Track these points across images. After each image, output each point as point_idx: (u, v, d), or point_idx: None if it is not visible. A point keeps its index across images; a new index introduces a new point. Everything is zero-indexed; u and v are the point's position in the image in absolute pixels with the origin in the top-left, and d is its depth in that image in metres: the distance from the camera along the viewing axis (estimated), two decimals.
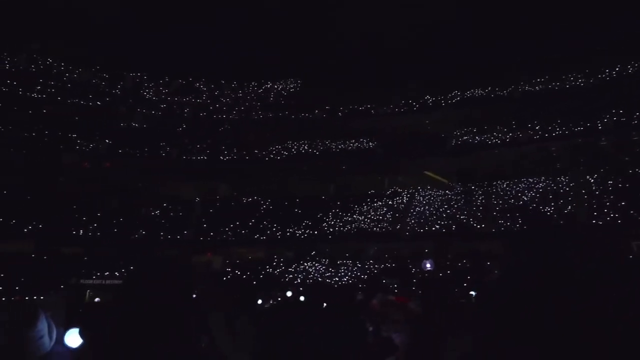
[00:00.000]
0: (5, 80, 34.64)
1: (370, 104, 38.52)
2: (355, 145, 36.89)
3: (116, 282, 25.96)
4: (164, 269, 1.94)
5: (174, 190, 35.21)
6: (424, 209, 31.05)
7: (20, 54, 36.37)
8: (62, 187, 32.68)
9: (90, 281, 25.20)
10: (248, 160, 36.73)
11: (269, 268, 28.83)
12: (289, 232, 31.12)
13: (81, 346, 3.00)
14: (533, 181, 30.60)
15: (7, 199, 29.71)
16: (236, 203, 34.79)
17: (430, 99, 37.57)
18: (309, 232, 30.93)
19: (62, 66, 38.26)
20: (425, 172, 35.61)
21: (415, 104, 37.69)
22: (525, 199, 29.08)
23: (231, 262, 30.01)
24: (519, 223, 26.92)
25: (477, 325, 1.25)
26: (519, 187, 30.56)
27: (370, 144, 36.67)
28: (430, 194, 32.96)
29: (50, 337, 2.53)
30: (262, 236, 31.18)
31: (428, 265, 25.64)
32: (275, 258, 30.05)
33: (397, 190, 34.32)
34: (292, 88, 43.11)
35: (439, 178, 35.35)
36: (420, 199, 32.51)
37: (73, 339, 3.10)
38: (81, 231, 30.22)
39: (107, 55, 39.54)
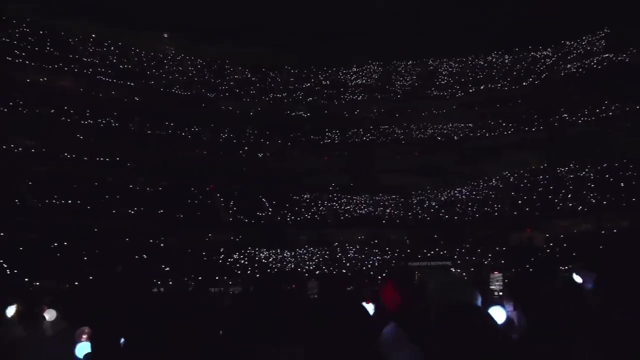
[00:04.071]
0: None
1: None
2: None
3: (443, 263, 27.88)
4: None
5: (482, 168, 35.23)
6: None
7: None
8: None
9: (417, 263, 27.75)
10: (558, 127, 33.98)
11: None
12: (613, 199, 27.61)
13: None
14: None
15: None
16: (550, 174, 32.62)
17: None
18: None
19: None
20: None
21: None
22: None
23: (553, 237, 28.39)
24: None
25: None
26: None
27: None
28: None
29: None
30: (585, 207, 28.46)
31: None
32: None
33: None
34: None
35: None
36: None
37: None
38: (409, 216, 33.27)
39: None
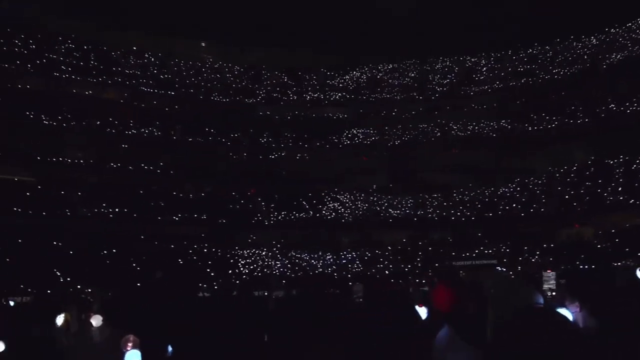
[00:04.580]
0: None
1: None
2: None
3: (488, 262, 27.32)
4: None
5: (526, 164, 34.35)
6: None
7: None
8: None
9: (462, 263, 27.31)
10: (604, 118, 32.78)
11: None
12: None
13: None
14: None
15: None
16: (597, 168, 31.50)
17: None
18: None
19: None
20: None
21: None
22: None
23: (603, 232, 27.40)
24: None
25: None
26: None
27: None
28: None
29: None
30: (636, 200, 27.34)
31: None
32: None
33: None
34: None
35: None
36: None
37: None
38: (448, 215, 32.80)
39: None
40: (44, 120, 32.24)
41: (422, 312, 3.21)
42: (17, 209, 27.65)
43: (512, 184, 33.79)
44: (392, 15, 40.71)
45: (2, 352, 5.44)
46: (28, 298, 18.64)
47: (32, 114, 31.87)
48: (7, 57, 32.82)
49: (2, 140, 29.82)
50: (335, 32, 40.85)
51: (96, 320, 6.04)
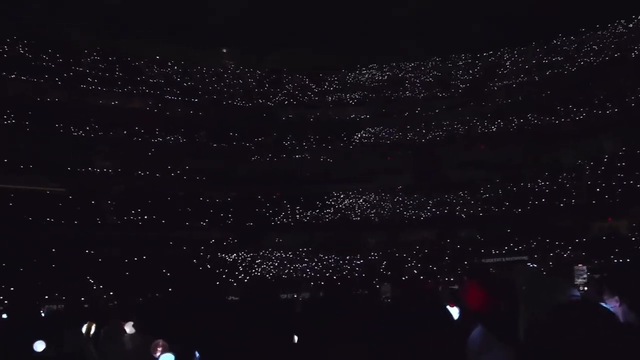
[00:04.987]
0: None
1: None
2: None
3: (519, 258, 26.82)
4: None
5: (554, 158, 33.67)
6: None
7: None
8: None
9: (491, 260, 26.88)
10: (635, 108, 31.87)
11: None
12: None
13: None
14: None
15: None
16: (628, 159, 30.62)
17: None
18: None
19: None
20: None
21: None
22: None
23: (638, 224, 26.64)
24: None
25: None
26: None
27: None
28: None
29: None
30: None
31: None
32: None
33: None
34: None
35: None
36: None
37: None
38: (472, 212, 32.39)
39: None
40: (73, 131, 32.99)
41: (454, 312, 3.12)
42: (50, 219, 28.37)
43: (540, 179, 33.13)
44: (410, 13, 40.50)
45: (44, 350, 5.61)
46: (62, 306, 19.04)
47: (61, 126, 32.65)
48: (35, 72, 33.72)
49: (33, 152, 30.62)
50: (353, 32, 40.84)
51: (129, 328, 6.11)
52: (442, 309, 3.61)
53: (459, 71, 42.59)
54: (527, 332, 2.01)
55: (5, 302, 17.36)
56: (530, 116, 36.32)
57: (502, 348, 2.47)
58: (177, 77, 40.67)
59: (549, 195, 31.21)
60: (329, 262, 31.11)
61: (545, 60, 39.09)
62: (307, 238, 32.98)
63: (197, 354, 3.67)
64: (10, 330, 7.30)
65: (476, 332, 2.74)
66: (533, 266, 25.43)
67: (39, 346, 5.63)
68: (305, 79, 44.25)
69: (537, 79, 37.94)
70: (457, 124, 38.64)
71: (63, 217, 28.86)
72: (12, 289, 21.63)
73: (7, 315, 11.49)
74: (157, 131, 36.05)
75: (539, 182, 32.81)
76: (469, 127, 38.11)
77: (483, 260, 27.58)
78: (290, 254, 31.68)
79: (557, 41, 39.83)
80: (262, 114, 40.09)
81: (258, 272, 29.47)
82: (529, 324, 2.07)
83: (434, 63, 43.91)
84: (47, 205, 29.20)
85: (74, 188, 31.41)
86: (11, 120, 31.29)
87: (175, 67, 41.38)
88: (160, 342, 4.09)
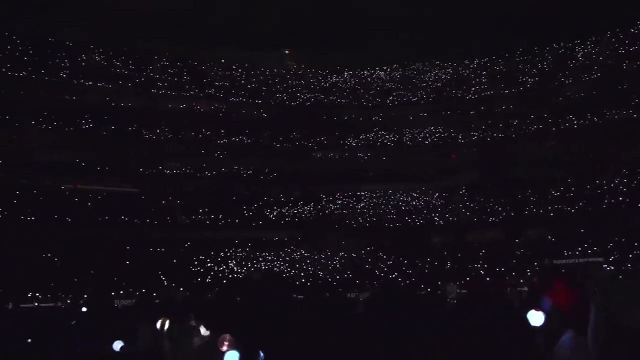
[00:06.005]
0: None
1: None
2: None
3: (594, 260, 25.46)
4: None
5: (631, 153, 31.65)
6: None
7: None
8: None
9: (564, 261, 25.65)
10: None
11: None
12: None
13: None
14: None
15: None
16: None
17: None
18: None
19: None
20: None
21: None
22: None
23: None
24: None
25: None
26: None
27: None
28: None
29: None
30: None
31: None
32: None
33: None
34: None
35: None
36: None
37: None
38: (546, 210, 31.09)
39: None
40: (144, 134, 34.57)
41: (539, 317, 2.93)
42: (124, 218, 29.87)
43: (616, 176, 31.26)
44: (470, 11, 39.48)
45: (122, 347, 5.90)
46: (133, 300, 19.93)
47: (134, 129, 34.31)
48: (111, 79, 35.63)
49: (108, 154, 32.37)
50: (414, 32, 40.29)
51: (202, 325, 6.22)
52: (512, 311, 3.48)
53: (527, 66, 40.91)
54: (608, 340, 1.92)
55: (85, 296, 18.42)
56: (604, 110, 34.27)
57: (594, 355, 2.34)
58: (242, 80, 41.65)
59: (626, 192, 29.42)
60: (393, 262, 30.75)
61: (622, 49, 36.76)
62: (371, 239, 32.80)
63: (262, 354, 3.69)
64: (88, 327, 7.73)
65: (567, 337, 2.63)
66: (610, 268, 24.08)
67: (117, 345, 5.98)
68: (366, 78, 44.09)
69: (608, 71, 35.77)
70: (527, 121, 37.13)
71: (136, 217, 30.29)
72: (89, 284, 22.90)
73: (87, 308, 12.19)
74: (222, 132, 37.07)
75: (616, 179, 30.99)
76: (538, 124, 36.56)
77: (555, 262, 26.36)
78: (354, 254, 31.59)
79: (635, 30, 37.38)
80: (324, 113, 40.30)
81: (322, 271, 29.59)
82: (606, 331, 1.96)
83: (499, 60, 42.44)
84: (121, 205, 30.72)
85: (145, 188, 32.92)
86: (89, 125, 33.23)
87: (240, 70, 42.39)
88: (227, 336, 4.13)
